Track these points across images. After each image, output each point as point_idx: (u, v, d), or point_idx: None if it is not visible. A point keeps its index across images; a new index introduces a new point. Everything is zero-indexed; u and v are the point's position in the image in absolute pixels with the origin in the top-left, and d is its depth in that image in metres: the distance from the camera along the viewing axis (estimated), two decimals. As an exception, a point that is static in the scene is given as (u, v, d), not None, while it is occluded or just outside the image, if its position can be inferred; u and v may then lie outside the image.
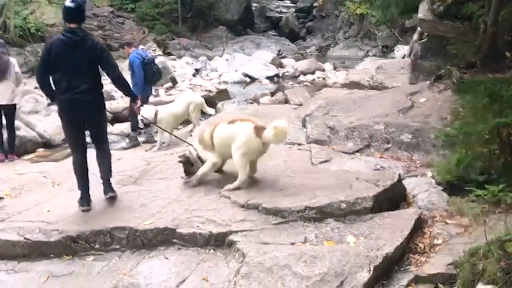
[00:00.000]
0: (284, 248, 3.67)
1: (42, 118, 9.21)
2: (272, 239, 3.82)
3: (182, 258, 3.96)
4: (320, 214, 4.07)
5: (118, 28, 24.64)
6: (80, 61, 4.44)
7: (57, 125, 9.09)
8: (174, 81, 14.19)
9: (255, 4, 31.93)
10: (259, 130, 4.54)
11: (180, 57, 20.71)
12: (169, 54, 22.03)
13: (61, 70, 4.45)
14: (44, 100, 9.62)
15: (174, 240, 4.14)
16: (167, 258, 4.00)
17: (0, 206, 5.03)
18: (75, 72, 4.44)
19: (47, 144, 8.81)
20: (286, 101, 10.73)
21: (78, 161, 4.68)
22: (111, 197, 4.73)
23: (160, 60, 14.71)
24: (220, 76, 16.59)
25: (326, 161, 5.39)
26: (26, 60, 16.20)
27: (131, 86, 8.48)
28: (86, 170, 4.72)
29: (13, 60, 7.80)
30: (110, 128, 9.82)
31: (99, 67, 4.61)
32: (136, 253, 4.16)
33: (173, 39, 24.52)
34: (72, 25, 4.50)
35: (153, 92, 11.26)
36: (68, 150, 8.00)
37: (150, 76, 8.33)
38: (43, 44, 18.08)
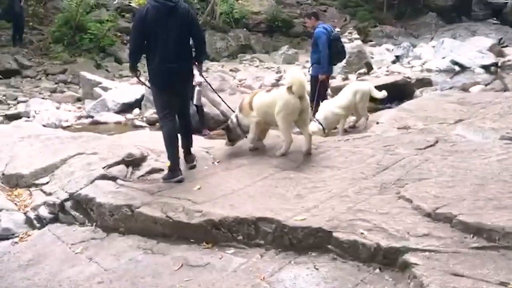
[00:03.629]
0: (488, 288, 2.37)
1: (227, 97, 9.06)
2: (469, 271, 2.53)
3: (336, 273, 2.96)
4: (556, 245, 2.60)
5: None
6: (174, 28, 4.38)
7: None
8: (369, 66, 13.01)
9: (473, -10, 28.27)
10: (289, 90, 4.51)
11: (380, 44, 19.29)
12: (369, 41, 20.80)
13: (155, 37, 4.36)
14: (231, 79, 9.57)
15: (329, 247, 3.14)
16: (316, 269, 3.04)
17: (158, 178, 4.72)
18: (169, 40, 4.37)
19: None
20: (504, 90, 8.63)
21: (170, 130, 4.58)
22: (193, 166, 4.75)
23: (356, 44, 13.73)
24: (423, 63, 14.73)
25: None
26: (228, 45, 16.94)
27: (311, 62, 7.74)
28: (177, 139, 4.66)
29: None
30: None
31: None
32: (281, 255, 3.29)
33: (376, 26, 23.17)
34: None
35: (340, 70, 10.38)
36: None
37: (333, 54, 7.36)
38: (245, 29, 18.83)
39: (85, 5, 15.54)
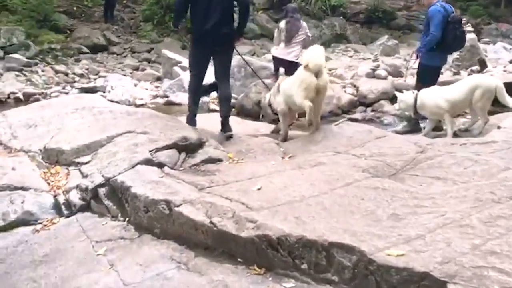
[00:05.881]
0: None
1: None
2: None
3: None
4: None
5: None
6: None
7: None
8: (482, 64, 11.16)
9: None
10: (306, 67, 4.37)
11: (495, 43, 17.03)
12: (482, 39, 18.53)
13: (197, 1, 4.60)
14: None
15: (440, 306, 2.01)
16: None
17: (213, 170, 3.81)
18: (212, 3, 4.53)
19: (312, 114, 7.57)
20: None
21: (195, 84, 5.01)
22: (228, 136, 4.76)
23: (469, 37, 11.89)
24: (551, 66, 12.51)
25: None
26: (321, 33, 15.77)
27: (421, 45, 6.38)
28: (199, 95, 5.22)
29: (304, 24, 8.06)
30: (388, 107, 7.98)
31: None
32: (360, 304, 2.21)
33: (490, 23, 20.68)
34: None
35: (451, 63, 8.80)
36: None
37: (449, 40, 5.87)
38: (341, 18, 17.47)
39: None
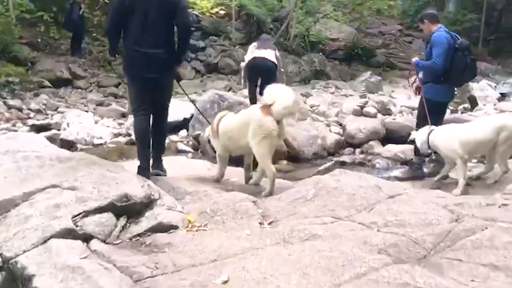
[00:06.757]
0: None
1: (294, 122, 7.04)
2: None
3: None
4: None
5: (404, 47, 22.28)
6: (156, 11, 3.93)
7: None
8: (473, 101, 10.55)
9: None
10: (266, 109, 3.70)
11: (478, 81, 16.68)
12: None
13: (133, 20, 3.93)
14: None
15: None
16: None
17: (162, 243, 2.70)
18: (147, 23, 3.93)
19: (294, 156, 6.57)
20: None
21: (141, 125, 4.09)
22: (157, 174, 4.05)
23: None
24: (541, 104, 11.96)
25: None
26: (300, 69, 15.03)
27: (423, 80, 5.48)
28: (149, 137, 4.14)
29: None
30: (380, 149, 7.04)
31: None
32: None
33: (471, 62, 20.52)
34: None
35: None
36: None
37: (459, 70, 5.00)
38: (320, 54, 16.85)
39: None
